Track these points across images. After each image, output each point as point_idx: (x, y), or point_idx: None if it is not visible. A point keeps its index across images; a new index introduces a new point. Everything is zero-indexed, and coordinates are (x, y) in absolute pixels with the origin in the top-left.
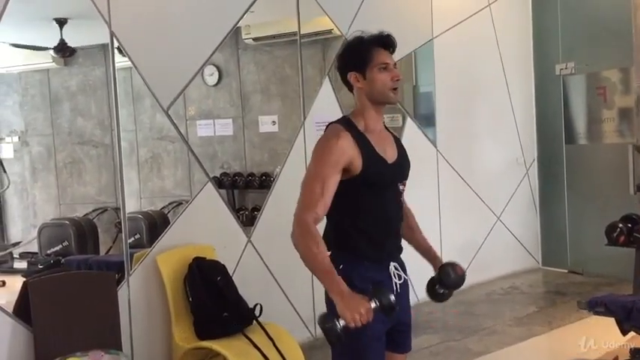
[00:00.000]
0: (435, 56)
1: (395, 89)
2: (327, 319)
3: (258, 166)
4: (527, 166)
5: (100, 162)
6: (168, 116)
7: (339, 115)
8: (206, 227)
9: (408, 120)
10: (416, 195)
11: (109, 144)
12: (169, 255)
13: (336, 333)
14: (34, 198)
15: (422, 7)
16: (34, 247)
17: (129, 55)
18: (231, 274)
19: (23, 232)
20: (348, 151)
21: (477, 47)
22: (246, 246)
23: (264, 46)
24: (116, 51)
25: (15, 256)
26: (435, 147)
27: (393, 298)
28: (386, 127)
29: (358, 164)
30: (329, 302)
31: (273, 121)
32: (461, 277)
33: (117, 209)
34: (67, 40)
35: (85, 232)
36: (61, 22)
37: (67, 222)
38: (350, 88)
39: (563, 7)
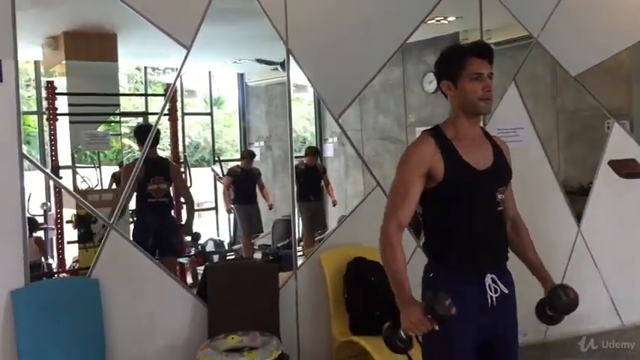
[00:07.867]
0: None
1: (486, 99)
2: (388, 329)
3: None
4: None
5: None
6: (338, 124)
7: (526, 122)
8: (372, 229)
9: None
10: None
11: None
12: (332, 253)
13: (395, 342)
14: (274, 196)
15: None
16: (269, 240)
17: (304, 70)
18: None
19: (264, 227)
20: (427, 158)
21: None
22: (414, 250)
23: None
24: None
25: (255, 247)
26: None
27: (447, 304)
28: (486, 134)
29: (440, 171)
30: None
31: None
32: (573, 301)
33: None
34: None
35: None
36: None
37: None
38: (446, 95)
39: None
